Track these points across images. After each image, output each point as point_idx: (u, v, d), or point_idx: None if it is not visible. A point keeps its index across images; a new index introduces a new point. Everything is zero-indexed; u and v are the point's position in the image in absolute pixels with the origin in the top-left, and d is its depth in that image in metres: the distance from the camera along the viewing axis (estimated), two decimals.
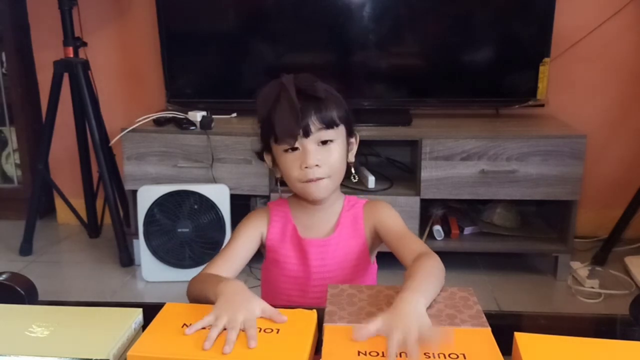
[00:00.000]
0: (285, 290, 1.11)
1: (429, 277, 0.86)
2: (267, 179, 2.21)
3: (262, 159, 1.13)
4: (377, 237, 1.11)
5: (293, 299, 1.09)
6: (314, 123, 1.00)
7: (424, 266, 0.90)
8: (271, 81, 1.04)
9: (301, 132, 0.99)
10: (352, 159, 1.11)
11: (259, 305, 0.80)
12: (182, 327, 0.77)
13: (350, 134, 1.09)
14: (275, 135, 1.01)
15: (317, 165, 1.01)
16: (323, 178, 1.02)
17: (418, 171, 2.17)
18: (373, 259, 1.15)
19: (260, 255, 1.15)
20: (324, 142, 1.02)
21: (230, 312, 0.78)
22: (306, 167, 1.01)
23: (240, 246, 1.08)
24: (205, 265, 1.05)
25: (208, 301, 0.85)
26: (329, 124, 1.01)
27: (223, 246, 1.11)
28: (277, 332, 0.76)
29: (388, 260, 1.08)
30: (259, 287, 1.19)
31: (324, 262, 1.08)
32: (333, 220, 1.10)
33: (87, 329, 0.78)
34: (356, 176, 1.14)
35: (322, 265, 1.08)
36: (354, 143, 1.11)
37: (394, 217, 1.10)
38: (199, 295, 0.90)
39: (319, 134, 1.01)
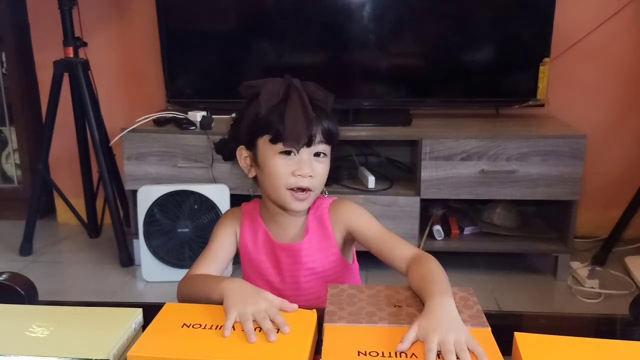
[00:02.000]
0: None
1: (443, 278, 0.86)
2: None
3: (220, 152, 1.10)
4: (350, 239, 1.09)
5: None
6: (319, 134, 1.00)
7: (432, 268, 0.90)
8: (273, 78, 1.02)
9: (306, 140, 0.98)
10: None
11: (270, 296, 0.83)
12: (182, 327, 0.77)
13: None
14: (276, 135, 0.98)
15: (310, 176, 1.00)
16: (310, 191, 1.01)
17: (418, 171, 2.17)
18: (351, 259, 1.14)
19: None
20: (316, 154, 1.01)
21: (249, 306, 0.79)
22: (299, 175, 0.99)
23: (220, 247, 1.08)
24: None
25: (210, 301, 0.85)
26: (329, 139, 1.01)
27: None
28: (277, 332, 0.76)
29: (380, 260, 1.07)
30: None
31: (297, 267, 1.07)
32: (300, 224, 1.09)
33: (87, 329, 0.78)
34: (326, 192, 1.11)
35: (295, 270, 1.07)
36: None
37: (366, 218, 1.07)
38: (199, 296, 0.90)
39: (318, 145, 1.00)
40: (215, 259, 1.06)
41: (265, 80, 1.03)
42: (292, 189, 1.00)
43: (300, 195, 1.01)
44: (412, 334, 0.74)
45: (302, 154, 0.99)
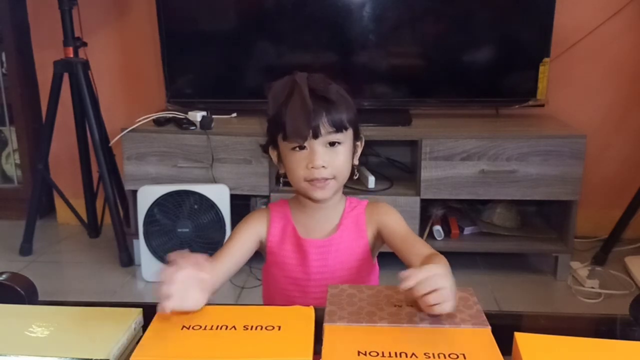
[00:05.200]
0: (286, 292, 1.11)
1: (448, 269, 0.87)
2: (267, 179, 2.21)
3: (266, 152, 1.13)
4: (379, 239, 1.11)
5: (294, 300, 1.08)
6: (324, 125, 1.00)
7: (439, 264, 0.90)
8: (284, 77, 1.04)
9: (310, 132, 0.99)
10: (356, 161, 1.11)
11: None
12: (182, 329, 0.77)
13: (356, 137, 1.09)
14: (284, 132, 1.01)
15: (323, 167, 1.01)
16: (328, 179, 1.02)
17: (418, 171, 2.17)
18: (374, 260, 1.15)
19: (260, 255, 1.14)
20: (332, 144, 1.02)
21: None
22: (312, 167, 1.01)
23: (236, 248, 1.07)
24: None
25: None
26: (339, 127, 1.02)
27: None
28: (279, 329, 0.76)
29: (389, 260, 1.08)
30: (260, 287, 1.19)
31: (325, 263, 1.08)
32: (335, 221, 1.10)
33: (87, 329, 0.78)
34: (357, 173, 1.14)
35: (322, 266, 1.08)
36: (359, 146, 1.12)
37: (397, 218, 1.10)
38: None
39: (328, 136, 1.01)
40: (226, 259, 1.05)
41: (278, 80, 1.05)
42: (309, 181, 1.02)
43: (318, 183, 1.02)
44: (422, 273, 0.77)
45: (314, 146, 1.01)
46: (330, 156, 1.02)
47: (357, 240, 1.10)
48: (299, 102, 0.99)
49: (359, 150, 1.12)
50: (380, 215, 1.10)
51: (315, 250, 1.08)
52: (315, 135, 1.00)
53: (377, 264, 1.17)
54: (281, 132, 1.02)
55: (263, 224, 1.11)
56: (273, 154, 1.10)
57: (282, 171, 1.10)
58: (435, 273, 0.77)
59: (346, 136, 1.04)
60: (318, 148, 1.01)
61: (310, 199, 1.06)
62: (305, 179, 1.02)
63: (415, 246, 1.02)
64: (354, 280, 1.09)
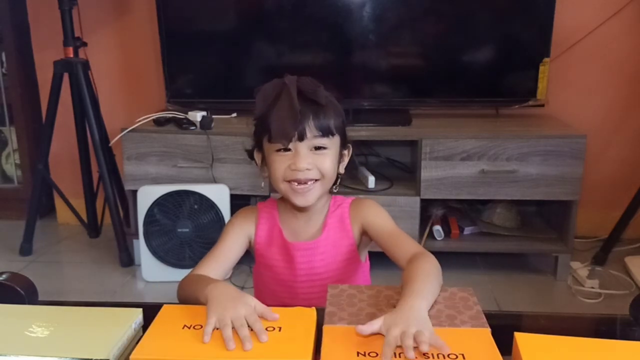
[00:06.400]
0: (276, 293, 1.11)
1: (428, 279, 0.86)
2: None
3: (252, 157, 1.12)
4: (365, 236, 1.10)
5: (283, 301, 1.09)
6: (310, 128, 0.99)
7: (423, 268, 0.90)
8: (273, 79, 1.03)
9: (296, 135, 0.99)
10: (342, 170, 1.10)
11: (252, 302, 0.81)
12: (183, 328, 0.77)
13: (343, 145, 1.08)
14: (269, 133, 1.00)
15: (307, 169, 1.00)
16: (314, 180, 1.01)
17: (418, 171, 2.17)
18: (364, 257, 1.15)
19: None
20: (317, 148, 1.02)
21: (228, 312, 0.78)
22: (295, 169, 1.00)
23: (229, 247, 1.08)
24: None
25: (198, 303, 0.85)
26: (325, 132, 1.01)
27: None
28: (280, 330, 0.76)
29: (385, 259, 1.08)
30: None
31: (312, 265, 1.08)
32: (319, 223, 1.10)
33: (87, 329, 0.78)
34: (337, 188, 1.11)
35: (309, 268, 1.08)
36: (346, 155, 1.10)
37: (382, 215, 1.09)
38: (189, 297, 0.90)
39: (313, 140, 1.01)
40: (221, 259, 1.05)
41: (267, 83, 1.04)
42: (289, 181, 1.01)
43: (299, 188, 1.01)
44: (376, 324, 0.74)
45: (299, 149, 1.00)
46: (314, 159, 1.01)
47: (343, 239, 1.09)
48: (286, 103, 0.99)
49: (346, 160, 1.10)
50: (364, 213, 1.09)
51: (302, 253, 1.08)
52: (301, 138, 0.99)
53: (367, 261, 1.16)
54: (267, 134, 1.01)
55: (252, 224, 1.11)
56: (258, 156, 1.09)
57: (265, 175, 1.09)
58: (388, 325, 0.74)
59: (332, 142, 1.03)
60: (302, 150, 1.00)
61: (291, 204, 1.06)
62: (285, 179, 1.01)
63: (402, 244, 1.02)
64: (341, 279, 1.08)
